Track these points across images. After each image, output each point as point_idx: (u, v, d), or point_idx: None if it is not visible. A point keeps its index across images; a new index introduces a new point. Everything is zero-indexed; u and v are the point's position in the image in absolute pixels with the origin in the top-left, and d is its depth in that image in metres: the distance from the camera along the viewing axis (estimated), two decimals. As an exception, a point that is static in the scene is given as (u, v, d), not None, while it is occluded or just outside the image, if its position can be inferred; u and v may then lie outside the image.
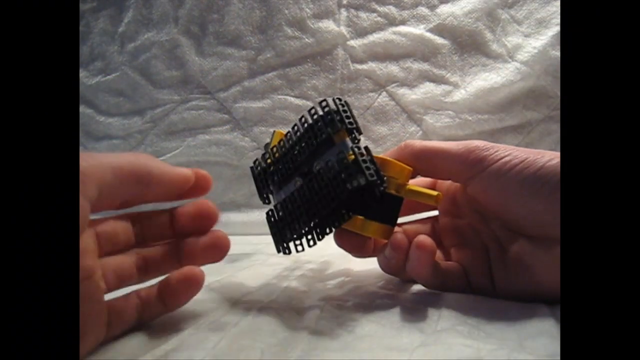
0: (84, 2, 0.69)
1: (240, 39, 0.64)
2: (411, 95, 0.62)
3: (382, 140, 0.62)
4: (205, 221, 0.27)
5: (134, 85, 0.67)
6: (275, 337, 0.23)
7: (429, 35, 0.62)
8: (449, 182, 0.31)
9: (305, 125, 0.27)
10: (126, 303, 0.24)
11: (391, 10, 0.63)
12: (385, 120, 0.62)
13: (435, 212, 0.33)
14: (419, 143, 0.28)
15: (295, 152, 0.27)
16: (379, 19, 0.63)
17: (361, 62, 0.63)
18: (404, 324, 0.24)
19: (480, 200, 0.28)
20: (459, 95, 0.61)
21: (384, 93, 0.63)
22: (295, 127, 0.27)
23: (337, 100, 0.26)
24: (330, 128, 0.25)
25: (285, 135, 0.29)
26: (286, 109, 0.63)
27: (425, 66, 0.62)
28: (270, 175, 0.28)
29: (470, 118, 0.61)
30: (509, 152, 0.25)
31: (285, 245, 0.27)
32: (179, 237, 0.27)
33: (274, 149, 0.29)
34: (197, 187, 0.26)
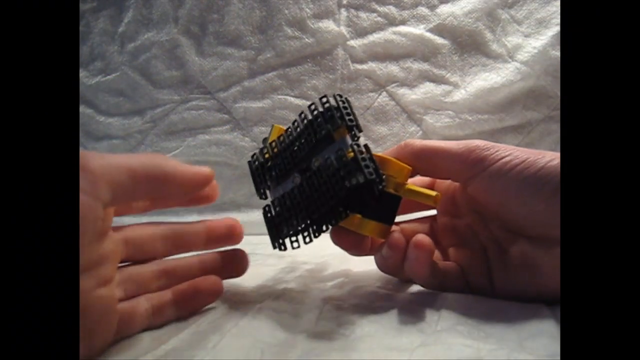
0: (84, 2, 0.69)
1: (240, 39, 0.64)
2: (411, 95, 0.62)
3: (382, 140, 0.62)
4: (234, 239, 0.29)
5: (134, 85, 0.67)
6: (275, 337, 0.23)
7: (429, 35, 0.62)
8: (448, 181, 0.31)
9: (305, 121, 0.27)
10: (136, 309, 0.24)
11: (391, 10, 0.63)
12: (385, 120, 0.62)
13: (433, 212, 0.33)
14: (419, 142, 0.28)
15: (295, 148, 0.27)
16: (379, 19, 0.63)
17: (361, 62, 0.63)
18: (404, 324, 0.24)
19: (480, 200, 0.28)
20: (459, 95, 0.61)
21: (384, 93, 0.63)
22: (295, 123, 0.27)
23: (337, 97, 0.26)
24: (330, 125, 0.25)
25: (285, 130, 0.28)
26: (286, 109, 0.63)
27: (425, 66, 0.62)
28: (268, 170, 0.28)
29: (470, 118, 0.61)
30: (509, 152, 0.25)
31: (281, 241, 0.27)
32: (205, 247, 0.28)
33: (273, 144, 0.28)
34: (207, 197, 0.27)
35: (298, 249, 0.27)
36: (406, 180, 0.27)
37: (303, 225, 0.26)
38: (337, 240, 0.28)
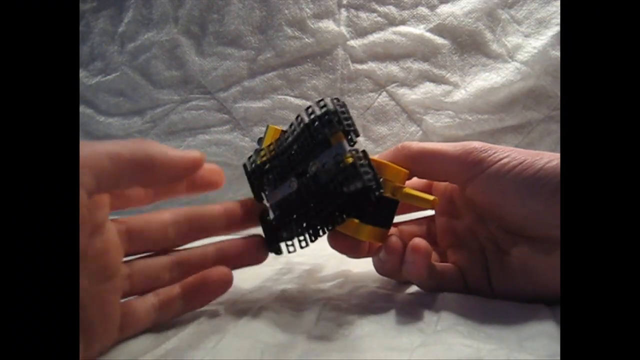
0: (84, 2, 0.69)
1: (240, 39, 0.64)
2: (411, 95, 0.62)
3: (382, 140, 0.62)
4: (250, 221, 0.28)
5: (134, 85, 0.67)
6: (275, 337, 0.23)
7: (429, 35, 0.62)
8: (446, 182, 0.31)
9: (302, 124, 0.26)
10: (143, 304, 0.24)
11: (391, 10, 0.63)
12: (385, 120, 0.62)
13: (431, 212, 0.33)
14: (415, 145, 0.28)
15: (292, 151, 0.27)
16: (379, 19, 0.63)
17: (361, 62, 0.63)
18: (404, 324, 0.24)
19: (478, 202, 0.28)
20: (459, 95, 0.61)
21: (384, 93, 0.63)
22: (292, 126, 0.27)
23: (334, 101, 0.26)
24: (327, 129, 0.25)
25: (283, 132, 0.28)
26: (286, 109, 0.63)
27: (425, 66, 0.62)
28: (265, 173, 0.28)
29: (470, 118, 0.61)
30: (507, 153, 0.25)
31: (277, 245, 0.27)
32: (219, 233, 0.27)
33: (271, 146, 0.28)
34: (210, 182, 0.26)
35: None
36: (403, 184, 0.27)
37: (300, 230, 0.26)
38: (335, 244, 0.28)
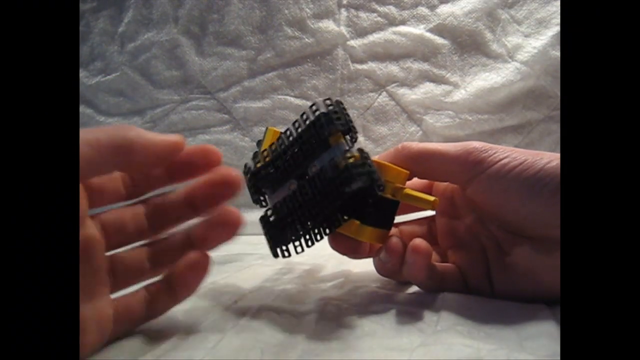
0: (84, 2, 0.69)
1: (240, 39, 0.64)
2: (411, 95, 0.62)
3: (382, 140, 0.62)
4: (225, 188, 0.26)
5: (134, 85, 0.67)
6: (275, 337, 0.23)
7: (429, 35, 0.62)
8: (447, 182, 0.31)
9: (302, 125, 0.26)
10: (134, 298, 0.23)
11: (391, 10, 0.63)
12: (385, 120, 0.62)
13: (431, 212, 0.33)
14: (415, 145, 0.28)
15: (291, 153, 0.27)
16: (379, 19, 0.63)
17: (361, 62, 0.63)
18: (404, 324, 0.24)
19: (479, 202, 0.28)
20: (459, 95, 0.61)
21: (384, 93, 0.63)
22: (291, 129, 0.27)
23: (334, 102, 0.26)
24: (326, 130, 0.25)
25: (283, 133, 0.28)
26: (286, 109, 0.63)
27: (425, 66, 0.62)
28: (264, 176, 0.28)
29: (470, 118, 0.61)
30: (507, 153, 0.25)
31: (280, 249, 0.27)
32: (194, 216, 0.26)
33: (273, 146, 0.28)
34: (207, 164, 0.25)
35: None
36: (404, 185, 0.27)
37: (300, 232, 0.26)
38: (335, 245, 0.28)
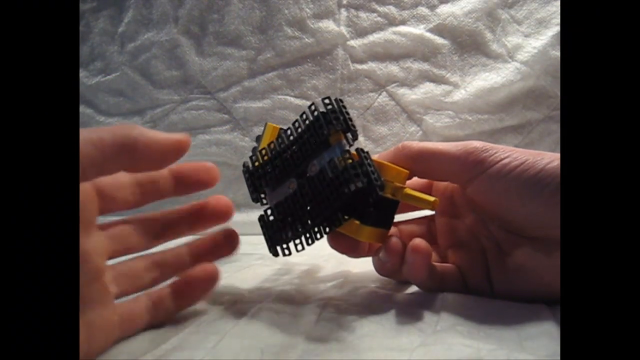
0: (84, 2, 0.69)
1: (240, 39, 0.64)
2: (411, 95, 0.62)
3: (382, 140, 0.62)
4: (221, 217, 0.28)
5: (134, 85, 0.67)
6: (275, 337, 0.23)
7: (429, 35, 0.62)
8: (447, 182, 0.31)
9: (301, 125, 0.26)
10: (136, 304, 0.24)
11: (391, 10, 0.63)
12: (385, 120, 0.62)
13: (431, 211, 0.33)
14: (416, 145, 0.28)
15: (291, 152, 0.27)
16: (379, 19, 0.63)
17: (361, 62, 0.63)
18: (404, 324, 0.24)
19: (479, 202, 0.28)
20: (459, 95, 0.61)
21: (384, 93, 0.63)
22: (292, 127, 0.27)
23: (334, 100, 0.26)
24: (327, 129, 0.25)
25: (281, 131, 0.28)
26: (286, 109, 0.63)
27: (425, 66, 0.62)
28: (264, 175, 0.28)
29: (470, 118, 0.61)
30: (508, 153, 0.25)
31: (278, 248, 0.27)
32: (193, 231, 0.27)
33: (272, 145, 0.28)
34: (204, 181, 0.26)
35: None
36: (404, 184, 0.27)
37: (300, 231, 0.26)
38: (334, 244, 0.28)
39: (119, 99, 0.68)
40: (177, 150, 0.23)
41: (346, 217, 0.25)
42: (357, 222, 0.26)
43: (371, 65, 0.63)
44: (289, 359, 0.21)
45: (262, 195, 0.29)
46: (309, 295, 0.30)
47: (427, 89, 0.62)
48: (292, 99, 0.63)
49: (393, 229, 0.30)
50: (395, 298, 0.29)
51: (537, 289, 0.26)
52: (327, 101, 0.25)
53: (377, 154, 0.28)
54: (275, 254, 0.28)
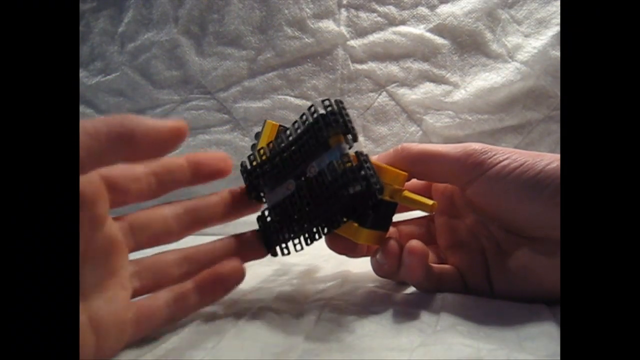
0: (84, 2, 0.69)
1: (240, 39, 0.64)
2: (411, 95, 0.62)
3: (382, 140, 0.62)
4: (245, 209, 0.29)
5: (134, 85, 0.67)
6: (275, 337, 0.23)
7: (429, 35, 0.62)
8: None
9: (301, 127, 0.26)
10: (154, 301, 0.23)
11: (391, 10, 0.63)
12: (385, 120, 0.62)
13: None
14: (415, 147, 0.27)
15: (290, 153, 0.27)
16: (379, 19, 0.63)
17: (361, 62, 0.63)
18: (404, 324, 0.24)
19: (479, 204, 0.28)
20: (459, 95, 0.61)
21: (384, 93, 0.63)
22: (291, 127, 0.27)
23: (334, 102, 0.26)
24: (326, 131, 0.25)
25: (280, 128, 0.28)
26: (286, 109, 0.63)
27: (425, 66, 0.62)
28: (262, 174, 0.28)
29: (470, 118, 0.61)
30: (507, 155, 0.25)
31: (275, 248, 0.27)
32: (223, 219, 0.27)
33: (268, 147, 0.28)
34: (220, 170, 0.26)
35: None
36: (402, 187, 0.27)
37: (297, 232, 0.26)
38: (332, 245, 0.28)
39: (119, 99, 0.68)
40: (176, 137, 0.22)
41: (344, 219, 0.25)
42: (355, 224, 0.26)
43: (371, 65, 0.63)
44: (289, 359, 0.21)
45: (261, 194, 0.29)
46: (309, 295, 0.30)
47: (427, 89, 0.62)
48: (292, 99, 0.63)
49: (392, 230, 0.30)
50: (395, 298, 0.29)
51: (537, 289, 0.26)
52: (326, 103, 0.25)
53: (377, 155, 0.28)
54: (274, 254, 0.28)
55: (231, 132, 0.64)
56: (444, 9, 0.62)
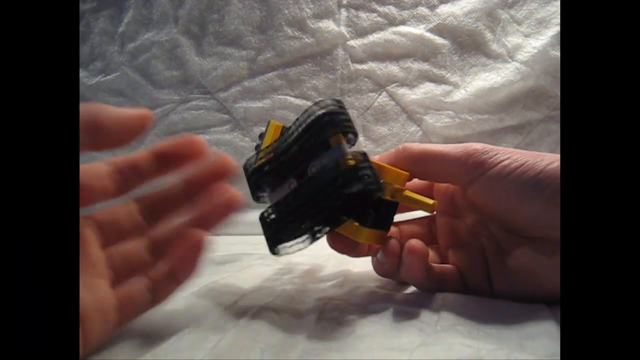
0: (84, 2, 0.69)
1: (240, 39, 0.64)
2: (411, 95, 0.62)
3: (382, 140, 0.62)
4: (221, 173, 0.26)
5: (134, 85, 0.67)
6: (275, 337, 0.23)
7: (429, 35, 0.62)
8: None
9: (302, 125, 0.26)
10: (135, 286, 0.23)
11: (391, 10, 0.63)
12: (385, 120, 0.62)
13: None
14: (416, 147, 0.28)
15: (291, 153, 0.27)
16: (379, 19, 0.63)
17: (361, 62, 0.63)
18: (404, 324, 0.24)
19: (479, 204, 0.28)
20: (459, 95, 0.61)
21: (384, 93, 0.63)
22: (292, 127, 0.27)
23: (334, 102, 0.26)
24: (327, 131, 0.25)
25: (283, 129, 0.28)
26: (286, 109, 0.63)
27: (425, 66, 0.62)
28: (264, 174, 0.28)
29: (470, 118, 0.61)
30: (508, 155, 0.25)
31: (278, 247, 0.27)
32: (190, 206, 0.26)
33: (270, 147, 0.28)
34: (188, 155, 0.25)
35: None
36: (403, 186, 0.27)
37: (299, 232, 0.26)
38: (333, 244, 0.28)
39: (119, 99, 0.68)
40: (140, 125, 0.22)
41: (345, 218, 0.25)
42: (356, 223, 0.26)
43: (371, 65, 0.63)
44: (289, 359, 0.21)
45: (263, 194, 0.29)
46: (309, 295, 0.30)
47: (427, 89, 0.62)
48: (292, 99, 0.63)
49: (393, 229, 0.30)
50: (395, 298, 0.29)
51: (537, 289, 0.26)
52: (327, 102, 0.25)
53: (378, 155, 0.28)
54: (275, 253, 0.28)
55: (231, 132, 0.64)
56: (444, 9, 0.62)
